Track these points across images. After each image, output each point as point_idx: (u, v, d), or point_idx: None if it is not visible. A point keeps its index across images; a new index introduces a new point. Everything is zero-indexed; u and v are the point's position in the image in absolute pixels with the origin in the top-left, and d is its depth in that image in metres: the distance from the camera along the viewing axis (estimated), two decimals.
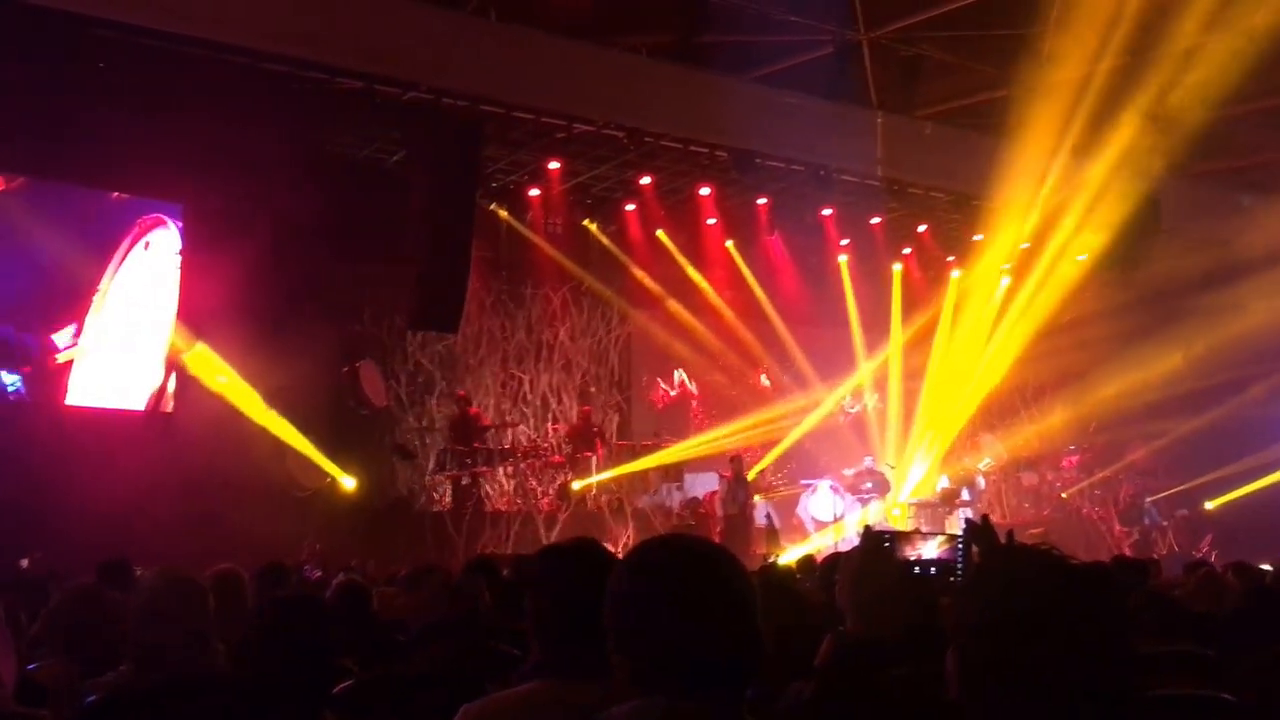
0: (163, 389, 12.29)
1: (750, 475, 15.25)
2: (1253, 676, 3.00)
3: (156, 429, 12.01)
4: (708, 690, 1.74)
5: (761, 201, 15.23)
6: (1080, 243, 16.33)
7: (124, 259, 12.23)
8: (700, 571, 1.81)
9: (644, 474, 15.09)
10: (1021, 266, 17.93)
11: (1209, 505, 17.65)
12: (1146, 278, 15.79)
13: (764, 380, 17.28)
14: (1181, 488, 17.66)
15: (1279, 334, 17.25)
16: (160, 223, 12.40)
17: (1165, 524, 17.47)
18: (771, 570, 6.93)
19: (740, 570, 1.85)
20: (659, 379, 16.94)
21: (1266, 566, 7.53)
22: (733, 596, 1.80)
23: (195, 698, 3.02)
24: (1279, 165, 16.13)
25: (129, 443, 11.51)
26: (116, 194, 12.46)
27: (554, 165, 13.80)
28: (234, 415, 12.04)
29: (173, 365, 12.25)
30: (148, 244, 12.36)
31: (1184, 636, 4.03)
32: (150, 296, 12.34)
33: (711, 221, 15.76)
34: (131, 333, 12.27)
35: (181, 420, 12.15)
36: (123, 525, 9.81)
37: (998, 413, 18.64)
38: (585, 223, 15.55)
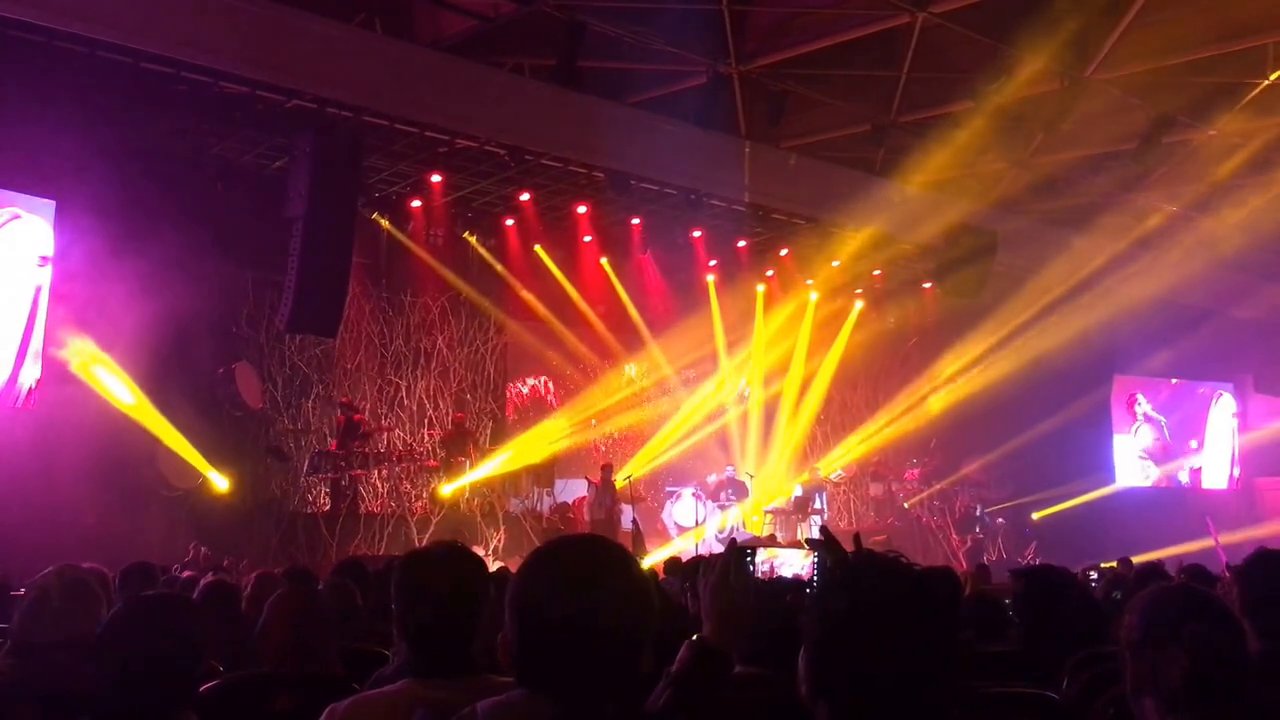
0: (13, 381, 11.53)
1: (619, 482, 15.28)
2: (1072, 675, 3.14)
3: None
4: (596, 689, 1.72)
5: (635, 221, 15.37)
6: (924, 271, 16.98)
7: None
8: (608, 574, 1.79)
9: (516, 479, 14.98)
10: (870, 291, 18.57)
11: (1035, 516, 18.49)
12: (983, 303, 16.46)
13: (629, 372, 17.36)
14: (1013, 503, 18.44)
15: (1098, 357, 18.25)
16: (15, 216, 11.70)
17: (996, 528, 18.22)
18: None
19: (643, 575, 1.84)
20: (514, 384, 16.82)
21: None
22: (632, 600, 1.78)
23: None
24: (1104, 207, 17.02)
25: None
26: None
27: (436, 178, 13.63)
28: (101, 413, 11.46)
29: (29, 360, 11.53)
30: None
31: (1013, 637, 4.18)
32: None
33: (588, 239, 15.80)
34: None
35: (45, 416, 11.47)
36: None
37: (849, 425, 19.15)
38: (465, 235, 15.40)
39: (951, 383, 18.15)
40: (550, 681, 1.71)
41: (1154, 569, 6.60)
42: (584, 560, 1.80)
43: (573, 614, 1.72)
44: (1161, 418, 21.36)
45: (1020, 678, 3.29)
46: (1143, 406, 21.20)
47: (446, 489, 14.07)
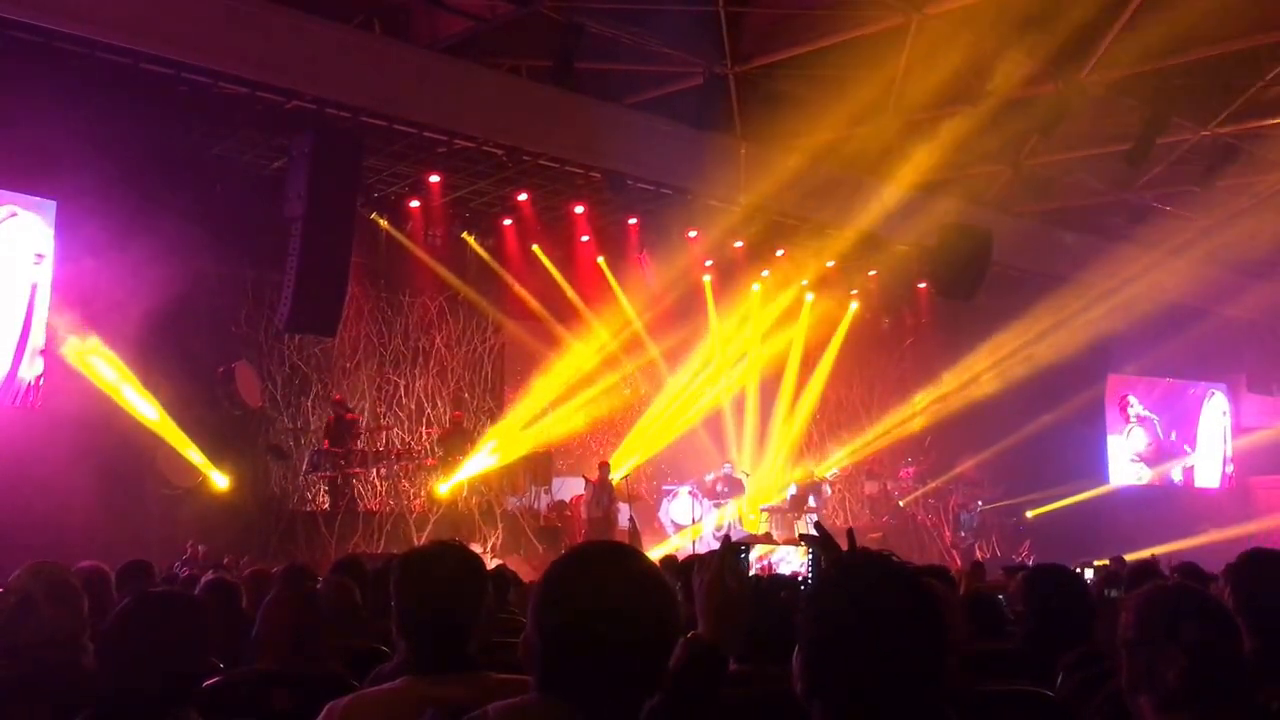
0: (11, 378, 11.53)
1: (616, 480, 15.26)
2: (1068, 673, 3.14)
3: None
4: (616, 696, 1.71)
5: (632, 221, 15.37)
6: (919, 272, 16.98)
7: None
8: (631, 582, 1.77)
9: (513, 478, 14.96)
10: (865, 292, 18.58)
11: (1029, 514, 18.51)
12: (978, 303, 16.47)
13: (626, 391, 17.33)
14: (1007, 502, 18.46)
15: (1092, 355, 18.27)
16: (12, 214, 11.69)
17: (983, 529, 18.24)
18: None
19: (666, 584, 1.82)
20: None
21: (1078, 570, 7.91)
22: (655, 609, 1.76)
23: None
24: (1098, 207, 17.05)
25: None
26: None
27: (434, 179, 13.62)
28: (101, 412, 11.44)
29: (26, 357, 11.53)
30: None
31: (1008, 635, 4.19)
32: None
33: (585, 239, 15.79)
34: None
35: (45, 413, 11.45)
36: None
37: (844, 424, 19.16)
38: (464, 235, 15.40)
39: (946, 384, 18.15)
40: (571, 687, 1.70)
41: (1148, 567, 6.61)
42: (608, 567, 1.79)
43: (595, 621, 1.71)
44: (1154, 416, 21.38)
45: (1017, 676, 3.29)
46: (1135, 408, 21.22)
47: (444, 487, 14.07)
